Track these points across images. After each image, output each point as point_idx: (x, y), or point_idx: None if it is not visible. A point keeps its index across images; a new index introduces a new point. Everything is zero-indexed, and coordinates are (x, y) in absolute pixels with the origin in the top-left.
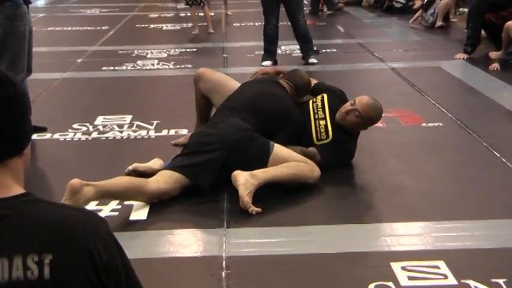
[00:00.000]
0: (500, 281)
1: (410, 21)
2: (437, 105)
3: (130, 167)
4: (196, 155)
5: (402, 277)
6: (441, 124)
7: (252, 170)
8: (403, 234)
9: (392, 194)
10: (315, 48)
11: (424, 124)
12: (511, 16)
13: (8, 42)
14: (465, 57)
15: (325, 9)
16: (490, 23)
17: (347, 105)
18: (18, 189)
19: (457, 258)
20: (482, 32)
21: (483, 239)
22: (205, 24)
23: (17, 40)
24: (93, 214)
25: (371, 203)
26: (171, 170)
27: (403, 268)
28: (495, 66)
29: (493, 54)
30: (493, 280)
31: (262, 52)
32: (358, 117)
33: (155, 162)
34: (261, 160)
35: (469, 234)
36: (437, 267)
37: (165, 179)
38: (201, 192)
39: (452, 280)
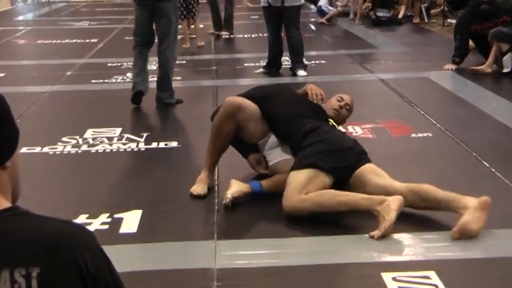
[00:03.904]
0: None
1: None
2: (426, 115)
3: (228, 201)
4: (342, 159)
5: None
6: (430, 134)
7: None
8: (394, 245)
9: None
10: (305, 62)
11: (413, 135)
12: (496, 27)
13: (172, 28)
14: (453, 68)
15: (321, 19)
16: (477, 33)
17: (334, 103)
18: (4, 203)
19: (448, 269)
20: (471, 43)
21: (473, 249)
22: (195, 37)
23: (176, 26)
24: (80, 227)
25: (361, 214)
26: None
27: (394, 279)
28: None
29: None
30: None
31: (253, 64)
32: (349, 110)
33: (239, 185)
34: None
35: (460, 244)
36: (428, 277)
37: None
38: (192, 205)
39: None
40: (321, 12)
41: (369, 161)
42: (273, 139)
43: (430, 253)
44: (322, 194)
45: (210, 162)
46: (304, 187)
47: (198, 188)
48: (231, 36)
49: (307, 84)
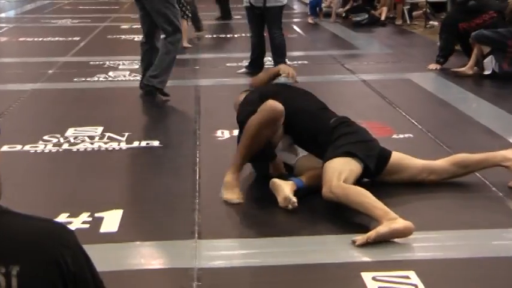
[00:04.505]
0: None
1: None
2: (407, 117)
3: (295, 205)
4: (371, 149)
5: (373, 287)
6: (412, 135)
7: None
8: (374, 245)
9: None
10: (287, 63)
11: (395, 136)
12: (485, 24)
13: (161, 20)
14: (438, 68)
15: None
16: (464, 32)
17: None
18: None
19: (428, 269)
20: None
21: (453, 249)
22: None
23: (170, 19)
24: (61, 225)
25: (342, 214)
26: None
27: (374, 278)
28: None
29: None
30: None
31: (235, 64)
32: None
33: (288, 185)
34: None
35: (440, 244)
36: (407, 277)
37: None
38: (173, 204)
39: None
40: (315, 5)
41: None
42: (286, 139)
43: (410, 253)
44: (352, 188)
45: (240, 166)
46: (340, 173)
47: (234, 195)
48: (204, 35)
49: (278, 66)
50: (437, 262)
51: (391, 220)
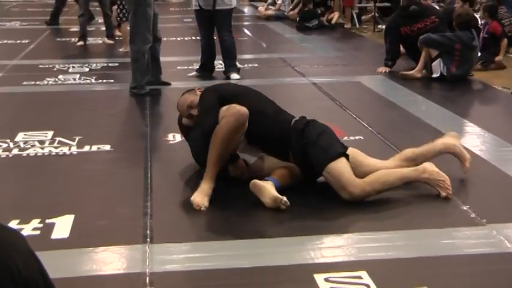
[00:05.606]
0: None
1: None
2: (358, 119)
3: (288, 204)
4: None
5: None
6: (362, 138)
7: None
8: (326, 247)
9: (315, 207)
10: (238, 66)
11: (345, 138)
12: (426, 28)
13: (133, 21)
14: (387, 71)
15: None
16: (406, 36)
17: None
18: None
19: (379, 268)
20: (401, 48)
21: (404, 248)
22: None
23: (138, 20)
24: (11, 230)
25: (293, 216)
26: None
27: (326, 279)
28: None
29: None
30: None
31: (186, 67)
32: None
33: (271, 185)
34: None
35: (391, 244)
36: (359, 277)
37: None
38: (125, 209)
39: None
40: None
41: None
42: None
43: (361, 253)
44: (376, 176)
45: (214, 173)
46: (351, 172)
47: (203, 200)
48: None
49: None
50: (388, 262)
51: (428, 170)
